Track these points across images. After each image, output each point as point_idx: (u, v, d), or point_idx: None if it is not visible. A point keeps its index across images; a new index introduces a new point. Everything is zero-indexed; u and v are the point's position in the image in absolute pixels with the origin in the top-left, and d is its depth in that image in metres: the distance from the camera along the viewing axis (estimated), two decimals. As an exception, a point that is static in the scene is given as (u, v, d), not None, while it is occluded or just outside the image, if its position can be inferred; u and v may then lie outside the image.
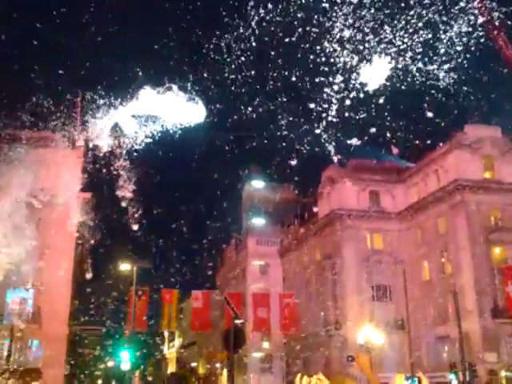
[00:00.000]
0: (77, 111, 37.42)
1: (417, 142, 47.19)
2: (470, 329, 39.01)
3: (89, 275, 38.65)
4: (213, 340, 67.40)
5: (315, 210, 56.07)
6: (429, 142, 47.00)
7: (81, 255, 42.92)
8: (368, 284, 48.00)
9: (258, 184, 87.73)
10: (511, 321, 39.88)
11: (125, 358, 39.28)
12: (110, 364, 77.95)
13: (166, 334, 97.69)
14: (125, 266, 35.77)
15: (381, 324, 45.13)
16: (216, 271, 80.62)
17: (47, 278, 36.03)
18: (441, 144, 47.06)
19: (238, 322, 15.42)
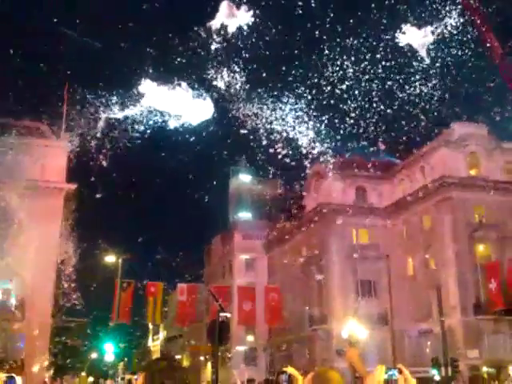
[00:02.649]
0: (64, 101, 37.16)
1: (404, 138, 47.40)
2: (452, 324, 39.42)
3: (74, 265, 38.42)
4: (197, 333, 67.40)
5: (302, 204, 56.22)
6: (416, 138, 47.25)
7: (65, 246, 42.63)
8: (353, 279, 48.27)
9: (245, 178, 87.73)
10: (493, 317, 40.38)
11: (109, 350, 39.22)
12: (94, 356, 77.65)
13: (150, 326, 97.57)
14: (110, 258, 35.66)
15: (365, 319, 45.40)
16: (202, 264, 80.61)
17: (31, 268, 35.74)
18: (427, 141, 47.35)
19: (223, 315, 15.44)
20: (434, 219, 44.91)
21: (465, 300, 40.97)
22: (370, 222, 49.72)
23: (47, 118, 38.75)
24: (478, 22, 50.38)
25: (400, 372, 4.80)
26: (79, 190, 39.20)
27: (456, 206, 43.24)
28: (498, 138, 46.90)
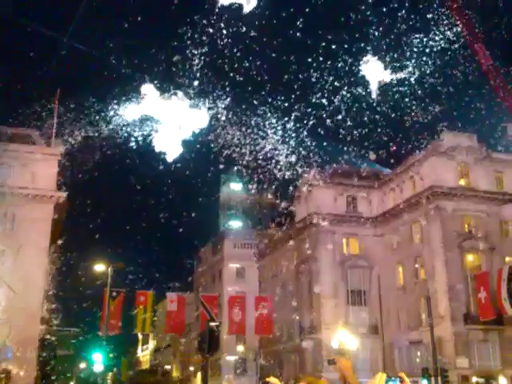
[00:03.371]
0: (54, 109, 37.05)
1: (394, 147, 47.63)
2: (442, 334, 39.46)
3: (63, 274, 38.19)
4: (187, 343, 67.02)
5: (292, 213, 56.17)
6: (406, 148, 47.54)
7: (55, 254, 42.32)
8: (343, 288, 48.23)
9: (235, 186, 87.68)
10: (483, 327, 40.47)
11: (98, 360, 38.80)
12: (83, 366, 76.89)
13: (139, 336, 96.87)
14: (99, 267, 35.37)
15: (355, 328, 45.36)
16: (192, 273, 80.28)
17: (20, 277, 35.43)
18: (417, 150, 47.60)
19: (212, 324, 15.34)
20: (424, 229, 45.04)
21: (455, 310, 41.01)
22: (360, 232, 49.82)
23: (38, 126, 38.61)
24: (468, 31, 50.93)
25: (402, 381, 4.75)
26: (69, 198, 39.00)
27: (445, 216, 43.40)
28: (487, 147, 47.23)
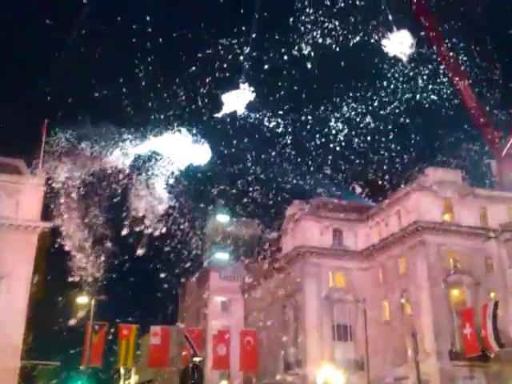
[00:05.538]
0: (41, 139, 37.09)
1: (379, 182, 48.21)
2: (428, 370, 39.12)
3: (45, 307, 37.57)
4: (170, 378, 65.77)
5: (279, 246, 56.10)
6: (391, 182, 48.11)
7: (38, 285, 41.71)
8: (329, 323, 47.83)
9: (222, 218, 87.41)
10: (468, 363, 40.26)
11: (78, 395, 37.89)
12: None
13: (122, 370, 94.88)
14: (82, 299, 34.88)
15: (341, 364, 44.90)
16: (177, 306, 79.31)
17: (1, 308, 34.80)
18: (402, 185, 48.09)
19: (196, 359, 15.19)
20: (409, 263, 45.12)
21: (440, 346, 40.79)
22: (346, 265, 49.75)
23: (24, 155, 38.58)
24: (452, 71, 52.09)
25: None
26: (54, 228, 38.61)
27: (430, 251, 43.55)
28: (471, 183, 47.85)
